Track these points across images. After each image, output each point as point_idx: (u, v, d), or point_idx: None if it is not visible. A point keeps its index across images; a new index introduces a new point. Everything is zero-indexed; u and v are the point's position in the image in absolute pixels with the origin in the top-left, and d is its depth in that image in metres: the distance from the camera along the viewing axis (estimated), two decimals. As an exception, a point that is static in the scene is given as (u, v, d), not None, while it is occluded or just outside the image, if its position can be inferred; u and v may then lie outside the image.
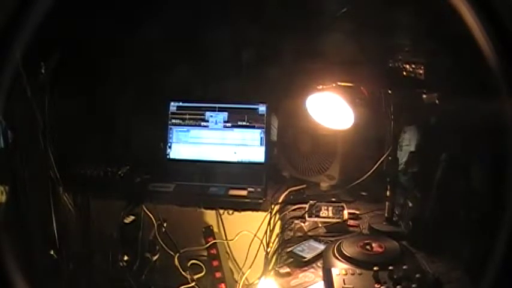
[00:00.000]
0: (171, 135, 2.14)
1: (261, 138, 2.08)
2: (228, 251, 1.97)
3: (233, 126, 2.11)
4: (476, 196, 1.24)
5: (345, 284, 1.08)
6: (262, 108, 2.09)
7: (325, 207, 1.66)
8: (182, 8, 1.95)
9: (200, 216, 1.93)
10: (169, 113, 2.14)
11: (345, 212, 1.62)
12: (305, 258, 1.36)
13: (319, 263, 1.33)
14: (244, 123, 2.10)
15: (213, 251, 1.94)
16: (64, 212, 1.79)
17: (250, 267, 1.84)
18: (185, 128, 2.14)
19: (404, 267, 1.11)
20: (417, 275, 1.08)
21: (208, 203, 1.89)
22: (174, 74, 2.00)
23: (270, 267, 1.52)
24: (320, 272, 1.24)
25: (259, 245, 1.76)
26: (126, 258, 1.86)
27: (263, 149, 2.08)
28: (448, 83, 1.37)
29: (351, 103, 1.47)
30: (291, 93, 1.89)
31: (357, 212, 1.68)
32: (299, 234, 1.56)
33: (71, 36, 1.72)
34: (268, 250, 1.65)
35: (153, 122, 2.08)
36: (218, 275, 1.95)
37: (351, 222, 1.61)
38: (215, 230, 1.94)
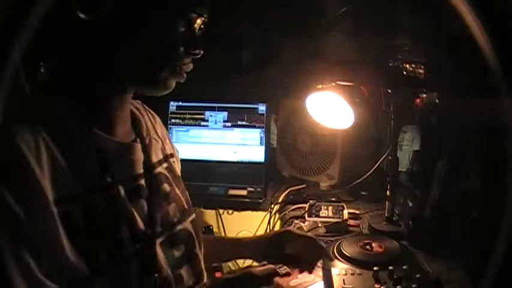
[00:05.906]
0: (170, 135, 2.13)
1: (261, 137, 2.08)
2: (228, 250, 1.97)
3: (233, 126, 2.11)
4: (477, 196, 1.24)
5: (344, 284, 1.08)
6: (262, 108, 2.09)
7: (325, 207, 1.67)
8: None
9: (200, 216, 1.93)
10: (169, 112, 2.14)
11: (345, 212, 1.62)
12: (305, 258, 1.36)
13: (319, 263, 1.32)
14: (244, 123, 2.10)
15: (213, 251, 1.93)
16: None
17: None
18: (185, 128, 2.14)
19: (404, 267, 1.11)
20: (417, 275, 1.08)
21: (208, 203, 1.89)
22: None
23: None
24: (320, 272, 1.24)
25: (259, 245, 1.76)
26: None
27: (263, 148, 2.07)
28: (448, 83, 1.37)
29: (350, 103, 1.47)
30: (291, 93, 1.89)
31: (357, 212, 1.68)
32: (299, 234, 1.56)
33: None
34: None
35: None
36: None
37: (351, 222, 1.60)
38: (215, 229, 1.94)
